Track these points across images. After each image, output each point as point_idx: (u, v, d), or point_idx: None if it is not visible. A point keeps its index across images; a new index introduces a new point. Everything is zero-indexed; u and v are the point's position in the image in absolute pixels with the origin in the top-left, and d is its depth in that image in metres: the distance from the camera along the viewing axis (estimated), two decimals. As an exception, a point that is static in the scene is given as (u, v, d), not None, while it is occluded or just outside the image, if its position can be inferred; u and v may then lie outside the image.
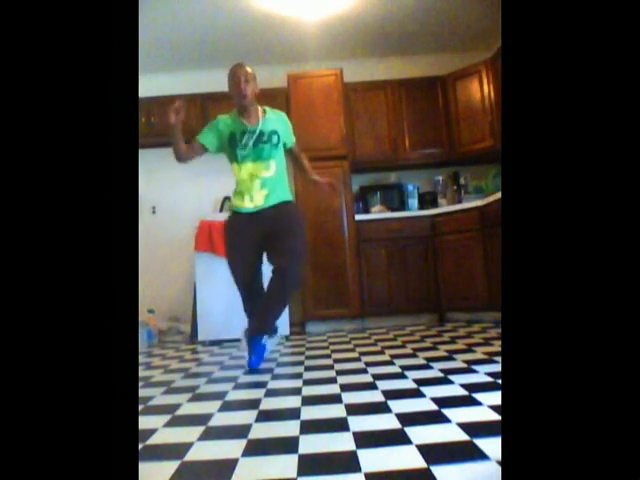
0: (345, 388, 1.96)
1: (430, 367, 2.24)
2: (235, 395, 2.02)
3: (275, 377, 2.32)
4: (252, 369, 2.47)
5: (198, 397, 2.03)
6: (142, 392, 2.16)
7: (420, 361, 2.41)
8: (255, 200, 2.54)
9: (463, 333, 3.28)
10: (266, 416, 1.68)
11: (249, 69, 2.53)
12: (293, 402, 1.81)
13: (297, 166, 2.85)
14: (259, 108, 2.60)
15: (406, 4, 3.76)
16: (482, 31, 4.21)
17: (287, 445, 1.36)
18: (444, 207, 4.12)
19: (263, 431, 1.52)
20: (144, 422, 1.67)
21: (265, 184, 2.54)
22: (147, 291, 4.16)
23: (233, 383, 2.24)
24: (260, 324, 2.50)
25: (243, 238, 2.52)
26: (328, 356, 2.76)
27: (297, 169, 2.79)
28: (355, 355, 2.71)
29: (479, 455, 1.19)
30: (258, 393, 2.00)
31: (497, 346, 2.65)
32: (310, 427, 1.51)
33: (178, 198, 4.60)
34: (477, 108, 4.17)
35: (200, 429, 1.57)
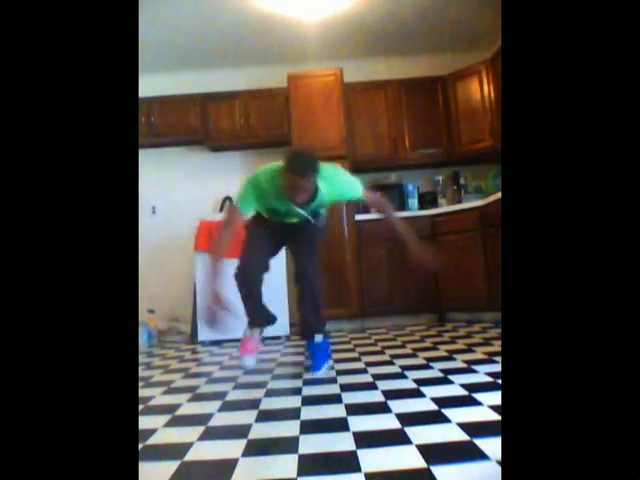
0: (345, 388, 1.96)
1: (430, 367, 2.24)
2: (235, 395, 2.02)
3: (275, 377, 2.32)
4: (316, 371, 2.32)
5: (198, 397, 2.03)
6: (142, 392, 2.15)
7: (420, 361, 2.41)
8: (287, 220, 2.48)
9: (463, 333, 3.28)
10: (266, 416, 1.68)
11: (311, 181, 2.07)
12: (293, 402, 1.81)
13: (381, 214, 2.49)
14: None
15: (406, 4, 3.76)
16: (482, 31, 4.21)
17: (287, 445, 1.36)
18: (444, 207, 4.12)
19: (263, 431, 1.52)
20: (144, 422, 1.67)
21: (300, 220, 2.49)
22: (147, 291, 4.16)
23: (233, 383, 2.24)
24: (308, 325, 2.46)
25: (266, 229, 2.46)
26: (328, 356, 2.76)
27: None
28: (355, 355, 2.71)
29: (479, 455, 1.19)
30: (258, 393, 2.00)
31: (497, 346, 2.65)
32: (310, 427, 1.51)
33: (178, 198, 4.59)
34: (477, 108, 4.17)
35: (200, 429, 1.57)
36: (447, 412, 1.54)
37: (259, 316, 2.59)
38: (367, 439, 1.36)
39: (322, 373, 2.29)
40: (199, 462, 1.31)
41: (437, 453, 1.23)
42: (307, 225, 2.46)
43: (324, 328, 2.49)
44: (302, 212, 2.31)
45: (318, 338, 2.42)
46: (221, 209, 4.42)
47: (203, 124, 4.35)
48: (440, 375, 2.07)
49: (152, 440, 1.50)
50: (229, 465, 1.25)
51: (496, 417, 1.46)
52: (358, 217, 4.08)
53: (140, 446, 1.43)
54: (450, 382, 1.93)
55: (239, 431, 1.52)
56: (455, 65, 4.41)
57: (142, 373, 2.65)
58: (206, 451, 1.39)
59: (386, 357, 2.60)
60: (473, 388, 1.80)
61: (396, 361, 2.44)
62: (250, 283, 2.41)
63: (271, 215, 2.45)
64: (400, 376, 2.10)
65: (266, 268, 2.46)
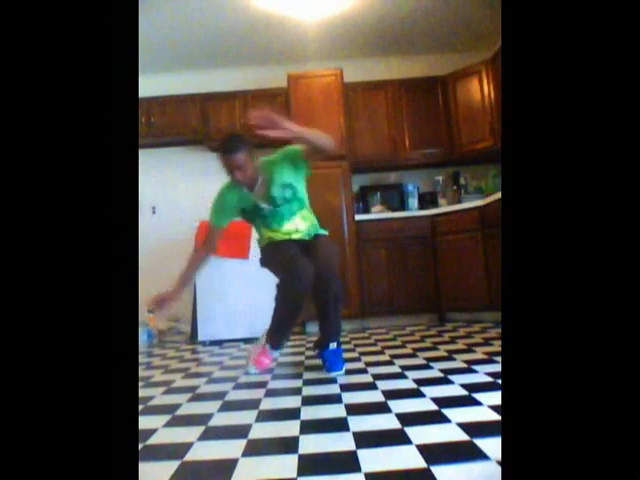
0: (345, 388, 1.96)
1: (430, 367, 2.24)
2: (235, 395, 2.02)
3: (275, 377, 2.32)
4: (332, 372, 2.29)
5: (198, 397, 2.03)
6: (142, 392, 2.16)
7: (420, 361, 2.41)
8: (293, 236, 2.46)
9: (463, 333, 3.28)
10: (266, 416, 1.68)
11: (240, 156, 2.22)
12: (293, 402, 1.81)
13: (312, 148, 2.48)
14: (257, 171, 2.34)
15: (406, 4, 3.76)
16: (482, 31, 4.21)
17: (287, 445, 1.36)
18: (444, 207, 4.12)
19: (263, 431, 1.52)
20: (144, 422, 1.67)
21: (304, 232, 2.49)
22: (147, 291, 4.15)
23: (233, 383, 2.24)
24: (326, 336, 2.40)
25: (289, 247, 2.39)
26: (328, 356, 2.75)
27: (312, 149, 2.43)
28: (355, 355, 2.71)
29: (479, 455, 1.19)
30: (258, 393, 2.00)
31: (497, 346, 2.65)
32: (310, 427, 1.51)
33: (178, 198, 4.59)
34: (477, 108, 4.17)
35: (200, 429, 1.57)
36: (447, 412, 1.54)
37: (286, 340, 2.56)
38: (367, 439, 1.36)
39: (339, 373, 2.24)
40: (199, 462, 1.31)
41: (437, 453, 1.23)
42: (313, 238, 2.47)
43: (339, 336, 2.44)
44: (268, 198, 2.34)
45: (333, 345, 2.37)
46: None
47: (203, 124, 4.35)
48: (440, 375, 2.07)
49: (152, 440, 1.50)
50: (229, 465, 1.25)
51: (496, 417, 1.46)
52: (358, 217, 4.08)
53: (140, 446, 1.43)
54: (450, 382, 1.93)
55: (239, 431, 1.51)
56: (455, 65, 4.41)
57: (142, 373, 2.65)
58: (206, 451, 1.39)
59: (386, 357, 2.60)
60: (473, 388, 1.80)
61: (396, 361, 2.44)
62: (298, 296, 2.26)
63: (260, 228, 2.48)
64: (400, 376, 2.10)
65: (311, 279, 2.23)
